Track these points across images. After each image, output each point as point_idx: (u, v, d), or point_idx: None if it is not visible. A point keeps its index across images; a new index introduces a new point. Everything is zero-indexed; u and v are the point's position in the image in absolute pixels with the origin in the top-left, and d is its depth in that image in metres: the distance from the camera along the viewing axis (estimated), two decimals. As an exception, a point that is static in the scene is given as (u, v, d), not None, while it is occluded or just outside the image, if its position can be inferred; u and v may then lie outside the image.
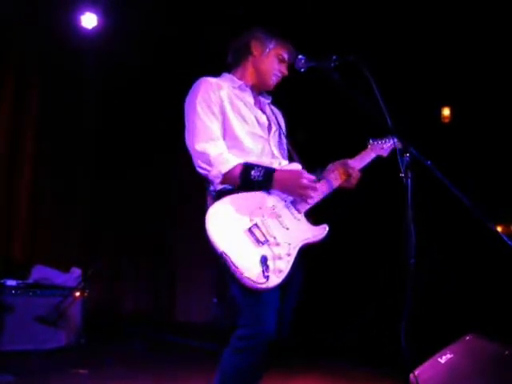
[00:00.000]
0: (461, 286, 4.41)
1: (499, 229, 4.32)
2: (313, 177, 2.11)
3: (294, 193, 2.09)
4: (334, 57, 2.15)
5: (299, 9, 4.56)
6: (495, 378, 2.38)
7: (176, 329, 6.00)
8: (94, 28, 5.40)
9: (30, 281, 4.80)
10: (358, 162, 2.33)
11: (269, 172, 2.07)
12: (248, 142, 2.18)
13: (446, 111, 4.98)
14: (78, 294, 4.81)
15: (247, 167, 2.07)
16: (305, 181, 2.06)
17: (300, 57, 2.24)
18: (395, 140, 2.11)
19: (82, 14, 5.36)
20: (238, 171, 2.06)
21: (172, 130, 6.25)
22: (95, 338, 4.98)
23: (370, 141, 2.44)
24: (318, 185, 2.17)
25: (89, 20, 5.36)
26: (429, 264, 4.17)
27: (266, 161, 2.20)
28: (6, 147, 5.52)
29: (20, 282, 4.70)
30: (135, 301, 6.65)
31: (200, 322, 6.05)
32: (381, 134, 2.35)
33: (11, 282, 4.63)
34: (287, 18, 4.54)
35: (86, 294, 4.91)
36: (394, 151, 2.28)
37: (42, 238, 5.71)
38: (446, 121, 4.97)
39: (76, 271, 5.06)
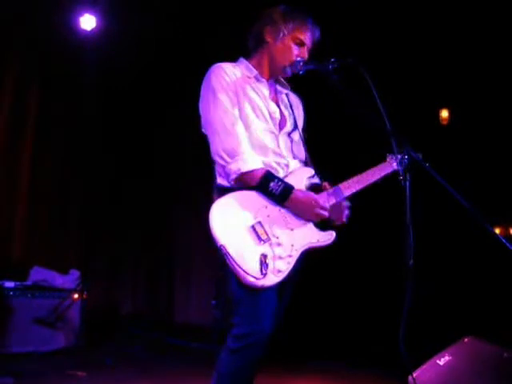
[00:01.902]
0: (460, 288, 4.41)
1: (498, 231, 4.33)
2: (326, 205, 2.09)
3: (305, 216, 2.06)
4: (333, 59, 2.12)
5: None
6: (493, 380, 2.39)
7: (175, 330, 5.99)
8: (92, 29, 5.39)
9: (29, 282, 4.78)
10: (371, 176, 2.21)
11: (287, 190, 2.03)
12: (257, 135, 2.11)
13: (445, 113, 4.98)
14: (76, 295, 4.80)
15: (268, 177, 2.02)
16: (318, 209, 2.05)
17: (298, 59, 2.19)
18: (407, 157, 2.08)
19: (81, 15, 5.36)
20: (258, 176, 2.01)
21: (172, 131, 6.29)
22: (94, 339, 4.98)
23: (388, 156, 2.29)
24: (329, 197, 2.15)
25: (88, 22, 5.36)
26: (427, 266, 4.17)
27: (272, 159, 2.13)
28: (6, 147, 5.51)
29: (18, 283, 4.67)
30: (134, 302, 6.64)
31: (199, 323, 6.04)
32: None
33: (9, 284, 4.60)
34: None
35: (84, 296, 4.91)
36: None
37: (41, 239, 5.69)
38: (445, 123, 4.97)
39: (75, 273, 5.05)
